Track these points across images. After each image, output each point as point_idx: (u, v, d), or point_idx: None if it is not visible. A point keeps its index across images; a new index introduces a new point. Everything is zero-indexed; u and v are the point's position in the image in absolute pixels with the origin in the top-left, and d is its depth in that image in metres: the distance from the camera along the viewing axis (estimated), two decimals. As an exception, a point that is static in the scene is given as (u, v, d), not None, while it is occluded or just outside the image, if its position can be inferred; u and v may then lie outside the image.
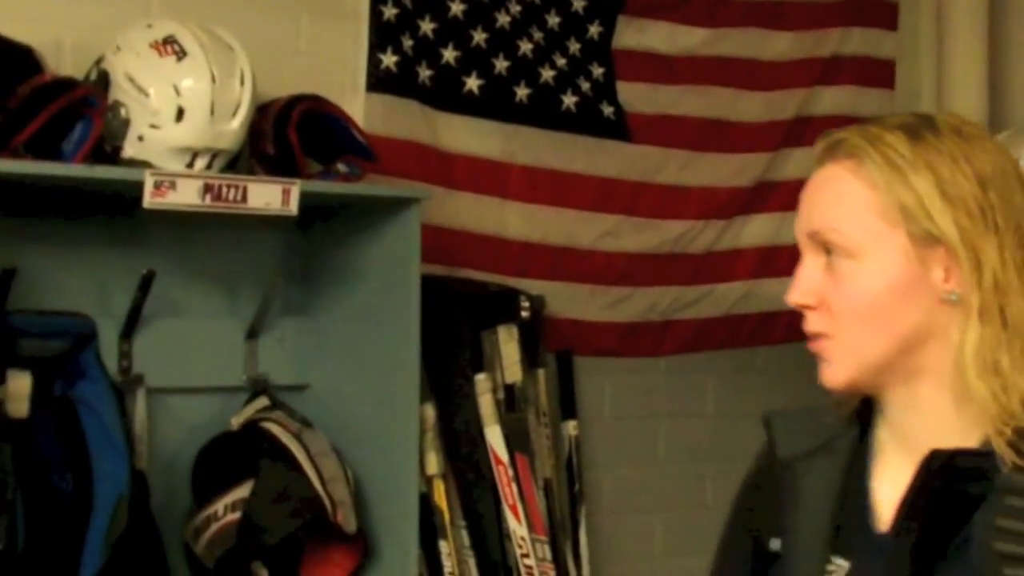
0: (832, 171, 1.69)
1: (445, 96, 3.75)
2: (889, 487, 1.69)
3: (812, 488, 1.72)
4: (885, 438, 1.73)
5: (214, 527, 3.12)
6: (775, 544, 1.73)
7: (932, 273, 1.64)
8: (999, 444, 1.60)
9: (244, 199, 2.94)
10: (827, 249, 1.68)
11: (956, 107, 4.39)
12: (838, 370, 1.68)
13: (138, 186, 2.83)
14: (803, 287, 1.69)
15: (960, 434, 1.65)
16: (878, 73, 4.63)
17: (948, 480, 1.61)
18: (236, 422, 3.25)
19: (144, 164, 2.91)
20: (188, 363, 3.27)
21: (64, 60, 3.12)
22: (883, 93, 4.63)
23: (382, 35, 3.62)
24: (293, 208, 3.00)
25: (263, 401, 3.31)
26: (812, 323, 1.69)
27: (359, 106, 3.55)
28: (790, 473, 1.74)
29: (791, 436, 1.77)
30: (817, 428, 1.76)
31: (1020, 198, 1.67)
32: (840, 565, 1.68)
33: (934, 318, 1.65)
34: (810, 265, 1.70)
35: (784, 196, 4.29)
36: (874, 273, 1.65)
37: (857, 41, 4.58)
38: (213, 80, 2.91)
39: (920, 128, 1.67)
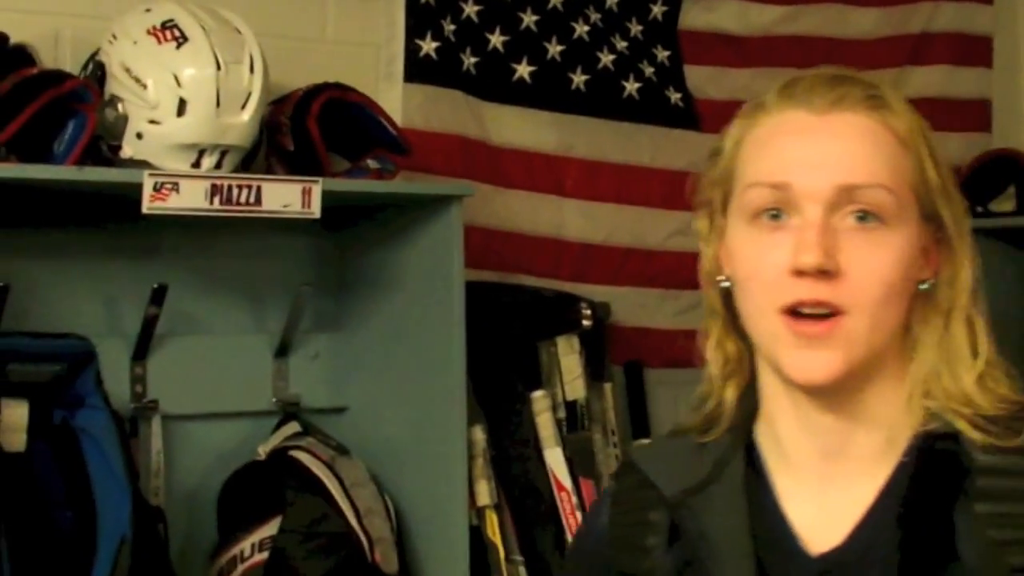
0: (856, 121, 1.49)
1: (493, 85, 3.54)
2: (803, 502, 1.52)
3: (719, 527, 1.52)
4: (795, 447, 1.53)
5: (240, 568, 2.89)
6: None
7: (918, 256, 1.49)
8: (963, 425, 1.46)
9: (258, 201, 2.68)
10: (853, 209, 1.46)
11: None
12: (842, 356, 1.45)
13: (137, 189, 2.58)
14: (827, 248, 1.44)
15: (893, 433, 1.50)
16: (973, 50, 4.39)
17: (933, 469, 1.46)
18: (264, 451, 3.00)
19: (144, 164, 2.65)
20: (209, 386, 3.03)
21: (63, 54, 2.89)
22: (980, 72, 4.40)
23: (420, 19, 3.39)
24: (315, 210, 2.74)
25: (294, 426, 3.06)
26: (825, 292, 1.44)
27: (396, 97, 3.32)
28: (687, 513, 1.54)
29: (671, 472, 1.57)
30: (697, 458, 1.57)
31: None
32: None
33: (907, 307, 1.50)
34: (819, 223, 1.45)
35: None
36: (902, 245, 1.47)
37: (949, 16, 4.34)
38: (218, 67, 2.65)
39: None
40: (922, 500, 1.45)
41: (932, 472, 1.46)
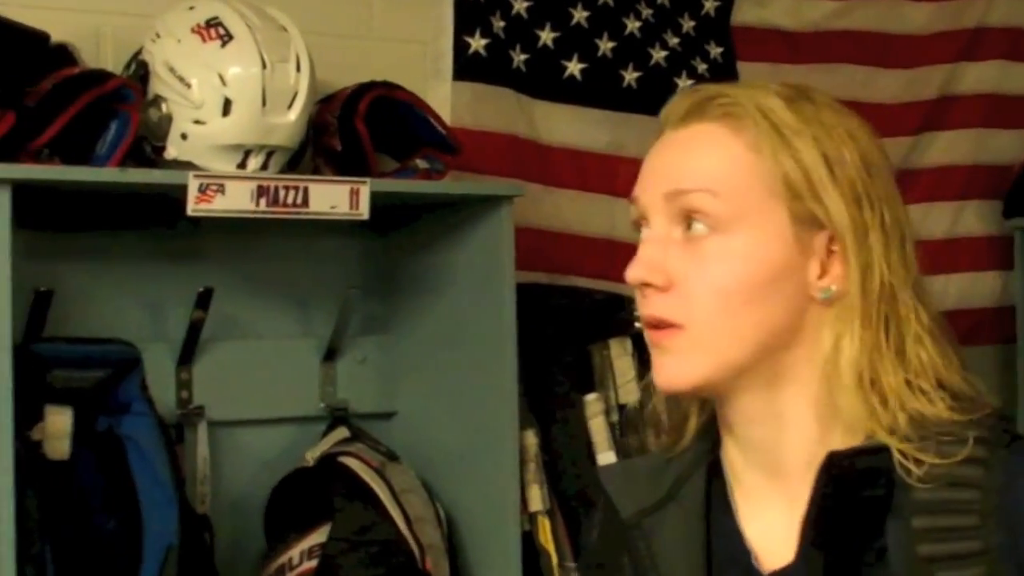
0: (702, 129, 1.47)
1: (543, 82, 3.47)
2: (758, 519, 1.51)
3: (670, 547, 1.51)
4: (739, 464, 1.52)
5: (289, 576, 2.84)
6: None
7: (807, 264, 1.44)
8: (891, 441, 1.42)
9: (305, 202, 2.62)
10: (687, 219, 1.44)
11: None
12: (687, 368, 1.44)
13: (181, 191, 2.52)
14: (649, 261, 1.44)
15: (828, 447, 1.44)
16: (1029, 45, 4.32)
17: (849, 487, 1.42)
18: (312, 457, 2.93)
19: (189, 165, 2.60)
20: (256, 391, 2.97)
21: (105, 53, 2.84)
22: (1035, 68, 4.32)
23: (469, 15, 3.33)
24: (363, 211, 2.68)
25: (342, 432, 3.00)
26: (658, 307, 1.44)
27: (444, 95, 3.26)
28: (639, 534, 1.53)
29: (630, 492, 1.56)
30: (658, 476, 1.55)
31: (896, 190, 1.49)
32: None
33: (800, 317, 1.45)
34: (660, 235, 1.45)
35: (927, 185, 4.07)
36: (748, 253, 1.43)
37: (1004, 10, 4.26)
38: (264, 66, 2.60)
39: (796, 96, 1.48)
40: (838, 523, 1.42)
41: (851, 491, 1.42)
